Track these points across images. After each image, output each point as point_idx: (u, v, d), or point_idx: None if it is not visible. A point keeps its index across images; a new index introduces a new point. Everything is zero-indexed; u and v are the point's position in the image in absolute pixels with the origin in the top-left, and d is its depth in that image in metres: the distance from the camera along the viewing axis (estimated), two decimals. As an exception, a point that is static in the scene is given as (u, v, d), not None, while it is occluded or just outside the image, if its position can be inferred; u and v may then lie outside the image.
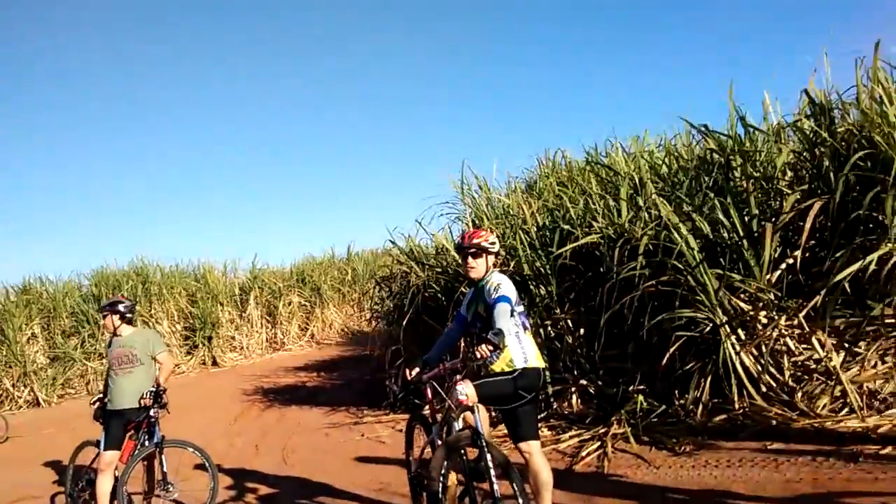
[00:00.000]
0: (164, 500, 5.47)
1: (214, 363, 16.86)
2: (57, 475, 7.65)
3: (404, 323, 8.94)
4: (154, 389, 5.50)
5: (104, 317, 5.79)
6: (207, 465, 5.49)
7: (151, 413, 5.46)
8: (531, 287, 7.37)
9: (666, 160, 8.06)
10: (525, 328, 4.01)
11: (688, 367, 5.96)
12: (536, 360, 3.96)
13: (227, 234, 45.02)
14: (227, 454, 7.45)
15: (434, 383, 4.05)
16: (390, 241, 10.20)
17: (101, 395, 5.81)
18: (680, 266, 5.96)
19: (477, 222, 8.75)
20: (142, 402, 5.43)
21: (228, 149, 55.86)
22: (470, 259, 4.10)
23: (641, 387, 6.34)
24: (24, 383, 15.08)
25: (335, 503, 5.45)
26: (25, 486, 6.99)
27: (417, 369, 4.22)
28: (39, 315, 16.60)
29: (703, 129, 7.12)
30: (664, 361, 5.97)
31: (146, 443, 5.48)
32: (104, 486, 5.34)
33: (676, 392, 6.08)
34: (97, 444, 5.64)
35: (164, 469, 5.40)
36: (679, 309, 6.03)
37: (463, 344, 6.77)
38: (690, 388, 5.90)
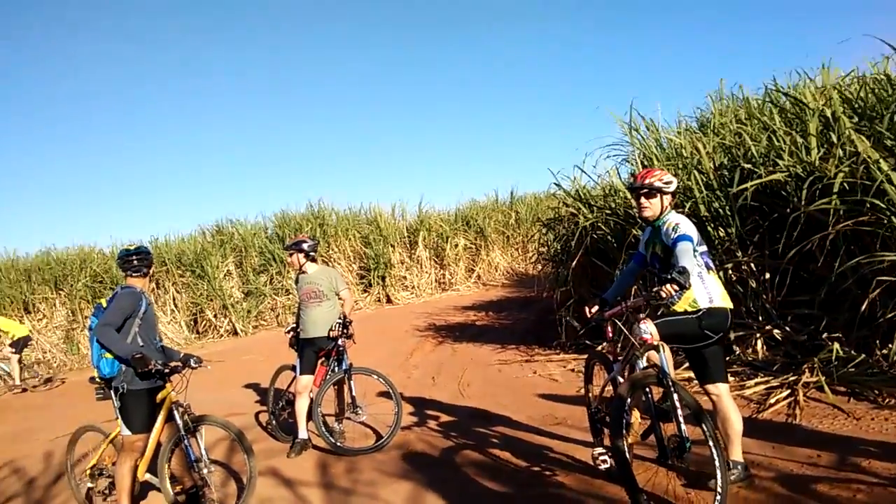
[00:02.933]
0: (354, 422, 5.91)
1: (388, 301, 17.82)
2: (258, 396, 8.48)
3: (573, 264, 8.90)
4: (341, 321, 5.91)
5: (290, 255, 6.19)
6: (391, 391, 5.84)
7: (339, 342, 5.89)
8: (709, 229, 7.05)
9: (861, 92, 7.27)
10: (709, 268, 3.86)
11: (891, 314, 5.48)
12: (722, 300, 3.81)
13: (394, 177, 46.79)
14: (405, 384, 7.87)
15: (616, 321, 4.02)
16: (555, 183, 10.11)
17: (294, 326, 6.28)
18: (881, 205, 5.44)
19: (646, 163, 8.43)
20: (331, 333, 5.85)
21: (397, 94, 57.48)
22: (643, 199, 3.98)
23: (836, 335, 5.93)
24: (223, 315, 16.75)
25: (513, 434, 5.59)
26: (232, 405, 7.78)
27: (596, 307, 4.21)
28: (233, 254, 18.19)
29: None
30: (863, 308, 5.53)
31: (336, 369, 5.94)
32: (301, 406, 5.85)
33: (877, 342, 5.62)
34: (293, 368, 6.16)
35: (353, 393, 5.81)
36: (880, 252, 5.53)
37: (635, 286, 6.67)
38: (895, 338, 5.43)
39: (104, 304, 4.52)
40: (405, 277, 18.62)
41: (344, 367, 5.87)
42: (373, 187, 54.89)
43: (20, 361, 12.83)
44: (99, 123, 55.03)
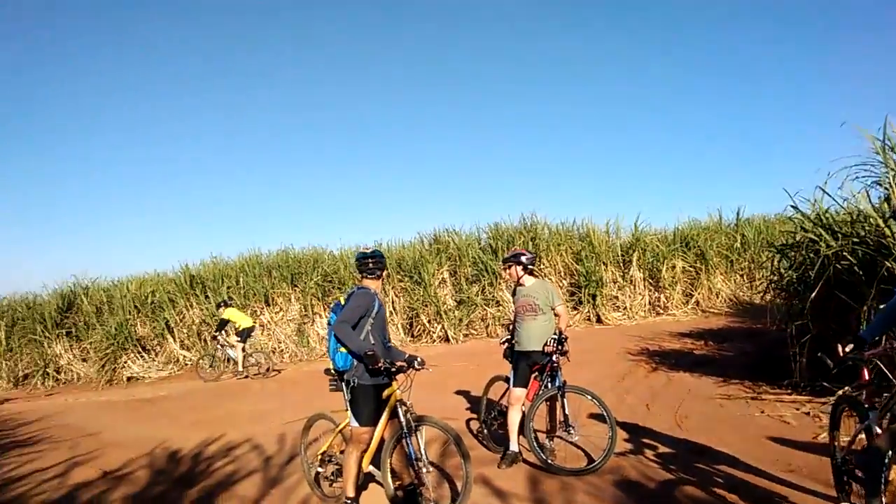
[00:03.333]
0: (566, 441, 5.83)
1: (598, 320, 17.41)
2: (468, 403, 8.70)
3: (811, 296, 8.11)
4: (556, 337, 5.85)
5: (508, 267, 6.24)
6: (606, 414, 5.60)
7: (554, 358, 5.83)
8: None
9: None
10: None
11: None
12: None
13: (608, 193, 45.99)
14: (618, 409, 7.58)
15: (877, 362, 3.58)
16: (792, 205, 9.29)
17: (508, 337, 6.33)
18: None
19: (903, 185, 7.48)
20: (546, 348, 5.82)
21: (616, 106, 56.70)
22: None
23: None
24: (437, 321, 17.44)
25: (740, 476, 5.16)
26: (444, 409, 8.03)
27: (851, 346, 3.78)
28: (448, 262, 18.89)
29: None
30: None
31: (549, 385, 5.89)
32: (514, 419, 5.87)
33: None
34: (506, 380, 6.22)
35: (566, 412, 5.72)
36: None
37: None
38: None
39: (342, 302, 4.87)
40: (617, 297, 18.10)
41: (557, 384, 5.81)
42: (587, 202, 54.42)
43: (244, 350, 14.39)
44: (329, 132, 60.35)
